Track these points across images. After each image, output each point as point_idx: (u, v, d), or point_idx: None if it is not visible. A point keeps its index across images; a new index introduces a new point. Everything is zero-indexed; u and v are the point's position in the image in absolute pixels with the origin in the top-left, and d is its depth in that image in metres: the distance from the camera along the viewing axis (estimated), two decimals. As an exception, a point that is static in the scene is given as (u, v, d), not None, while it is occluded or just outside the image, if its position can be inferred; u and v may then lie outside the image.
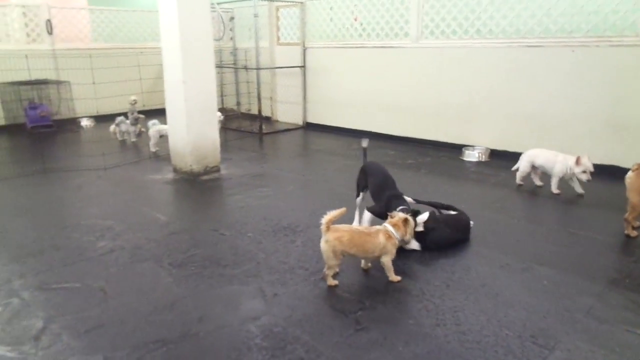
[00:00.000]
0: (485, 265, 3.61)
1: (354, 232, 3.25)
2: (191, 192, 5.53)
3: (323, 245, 3.21)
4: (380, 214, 3.81)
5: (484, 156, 6.70)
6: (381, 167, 4.20)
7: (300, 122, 9.45)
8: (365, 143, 4.53)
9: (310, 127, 9.29)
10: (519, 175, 5.48)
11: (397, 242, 3.30)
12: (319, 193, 5.42)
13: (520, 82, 6.45)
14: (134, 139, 7.91)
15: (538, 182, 5.47)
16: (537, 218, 4.65)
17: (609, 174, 5.71)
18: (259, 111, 8.87)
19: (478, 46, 6.78)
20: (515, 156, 6.52)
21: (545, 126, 6.33)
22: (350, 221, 4.19)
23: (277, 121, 9.96)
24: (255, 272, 3.53)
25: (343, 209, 3.21)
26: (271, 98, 9.91)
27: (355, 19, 8.36)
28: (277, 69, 9.49)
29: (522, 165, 5.45)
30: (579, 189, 5.16)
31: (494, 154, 6.73)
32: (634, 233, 4.08)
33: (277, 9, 9.45)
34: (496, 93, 6.70)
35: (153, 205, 5.02)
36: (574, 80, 6.00)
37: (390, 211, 3.58)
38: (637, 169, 4.04)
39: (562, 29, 6.06)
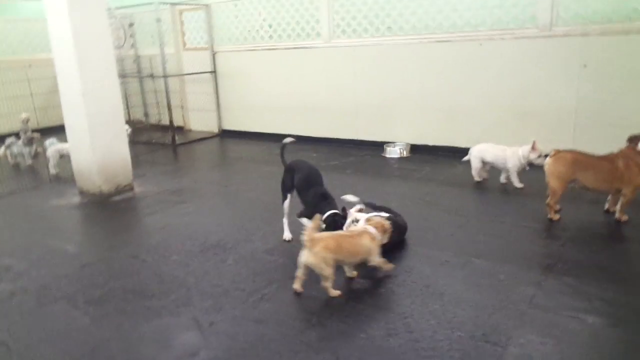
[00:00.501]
0: (425, 264, 3.55)
1: (339, 237, 3.21)
2: (103, 216, 5.02)
3: (311, 259, 3.04)
4: (309, 216, 3.61)
5: (405, 152, 6.76)
6: (307, 163, 4.11)
7: (215, 130, 9.04)
8: (287, 140, 4.35)
9: (226, 135, 8.92)
10: (473, 172, 5.40)
11: (380, 241, 3.28)
12: (245, 204, 5.14)
13: (433, 76, 6.57)
14: (29, 162, 7.05)
15: (485, 176, 5.44)
16: (466, 210, 4.69)
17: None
18: (170, 121, 8.34)
19: (390, 43, 6.83)
20: (434, 150, 6.71)
21: (458, 118, 6.50)
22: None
23: (190, 130, 9.47)
24: (185, 300, 3.20)
25: (316, 220, 3.17)
26: (182, 107, 9.40)
27: (260, 14, 8.08)
28: (186, 76, 8.99)
29: (473, 162, 5.39)
30: (517, 184, 5.16)
31: (415, 149, 6.82)
32: (556, 217, 4.24)
33: (181, 13, 8.96)
34: (411, 89, 6.78)
35: (59, 236, 4.47)
36: (482, 72, 6.21)
37: (322, 213, 3.54)
38: (555, 155, 4.19)
39: (469, 23, 6.24)
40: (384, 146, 6.88)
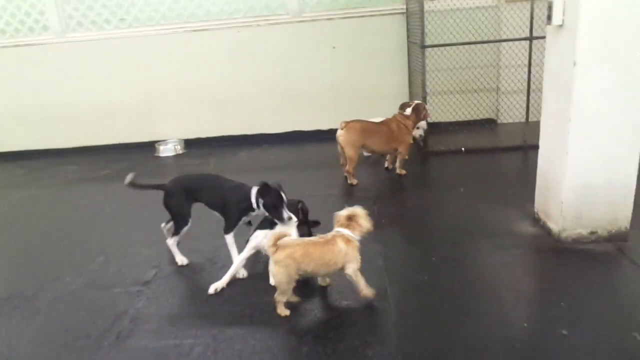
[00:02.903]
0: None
1: (307, 243, 2.66)
2: None
3: (273, 267, 2.62)
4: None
5: (180, 148, 6.41)
6: (203, 174, 3.67)
7: None
8: (129, 177, 3.36)
9: None
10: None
11: (358, 244, 2.70)
12: (17, 239, 4.08)
13: (197, 67, 6.36)
14: None
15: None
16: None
17: (294, 140, 6.41)
18: None
19: (141, 35, 6.28)
20: (209, 142, 6.57)
21: (230, 107, 6.49)
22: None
23: None
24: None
25: (287, 230, 2.72)
26: None
27: None
28: None
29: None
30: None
31: (189, 144, 6.52)
32: (355, 181, 4.71)
33: None
34: (175, 82, 6.42)
35: None
36: (246, 59, 6.32)
37: (282, 220, 2.95)
38: (345, 126, 4.62)
39: (223, 11, 6.24)
40: (156, 145, 6.37)
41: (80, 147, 6.63)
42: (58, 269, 3.43)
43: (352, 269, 2.66)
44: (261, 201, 3.03)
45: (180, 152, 6.38)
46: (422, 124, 5.20)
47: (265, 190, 3.01)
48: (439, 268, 3.08)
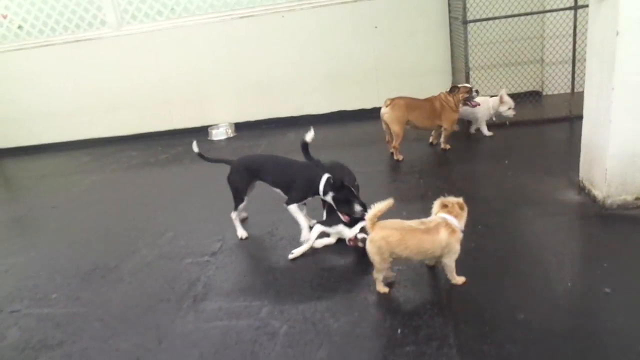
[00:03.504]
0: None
1: (406, 230, 2.59)
2: None
3: (368, 245, 2.66)
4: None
5: (231, 131, 6.74)
6: (268, 155, 3.87)
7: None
8: (195, 147, 3.82)
9: (5, 154, 7.41)
10: None
11: (461, 235, 2.63)
12: (95, 220, 4.50)
13: (244, 52, 6.63)
14: None
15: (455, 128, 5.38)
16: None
17: (339, 120, 6.62)
18: None
19: (190, 24, 6.59)
20: (258, 124, 6.86)
21: (277, 90, 6.75)
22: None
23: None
24: (108, 335, 2.77)
25: (390, 200, 2.57)
26: None
27: (5, 17, 6.95)
28: None
29: None
30: (486, 132, 5.26)
31: (239, 127, 6.84)
32: (400, 157, 4.88)
33: None
34: (223, 68, 6.71)
35: None
36: (290, 43, 6.53)
37: (353, 214, 3.10)
38: (389, 104, 4.79)
39: (266, -3, 6.47)
40: (208, 130, 6.72)
41: (138, 134, 7.08)
42: (134, 244, 3.82)
43: (451, 259, 2.64)
44: (331, 193, 3.19)
45: (232, 135, 6.70)
46: (510, 102, 5.14)
47: (339, 186, 3.14)
48: (485, 235, 3.24)
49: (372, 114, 6.63)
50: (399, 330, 2.45)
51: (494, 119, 5.29)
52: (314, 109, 6.73)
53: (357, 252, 3.20)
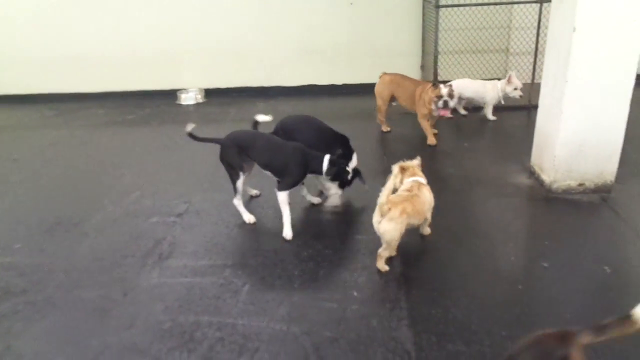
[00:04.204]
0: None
1: (411, 198, 2.75)
2: None
3: (390, 226, 2.64)
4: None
5: (200, 97, 6.71)
6: (256, 133, 3.44)
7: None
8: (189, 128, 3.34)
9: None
10: None
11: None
12: (58, 175, 4.47)
13: (217, 18, 6.57)
14: None
15: (462, 112, 5.54)
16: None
17: (310, 93, 6.70)
18: None
19: (164, -16, 6.48)
20: (228, 92, 6.86)
21: (249, 58, 6.75)
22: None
23: None
24: (73, 285, 2.84)
25: (390, 185, 2.68)
26: None
27: None
28: None
29: None
30: (491, 116, 5.32)
31: (209, 93, 6.82)
32: (387, 128, 5.09)
33: None
34: (197, 31, 6.64)
35: None
36: (265, 12, 6.51)
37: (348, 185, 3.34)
38: (380, 77, 4.94)
39: (242, -37, 6.40)
40: (177, 93, 6.68)
41: (105, 92, 6.95)
42: (99, 201, 3.84)
43: (430, 213, 2.96)
44: (332, 170, 3.24)
45: (201, 100, 6.69)
46: (518, 83, 5.14)
47: (342, 168, 3.29)
48: (440, 211, 3.42)
49: (343, 90, 6.78)
50: (355, 293, 2.63)
51: (502, 102, 5.31)
52: (285, 80, 6.78)
53: (323, 218, 3.36)
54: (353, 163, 3.63)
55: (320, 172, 3.26)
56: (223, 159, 3.35)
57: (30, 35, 6.74)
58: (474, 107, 5.58)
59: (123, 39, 6.70)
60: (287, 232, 3.20)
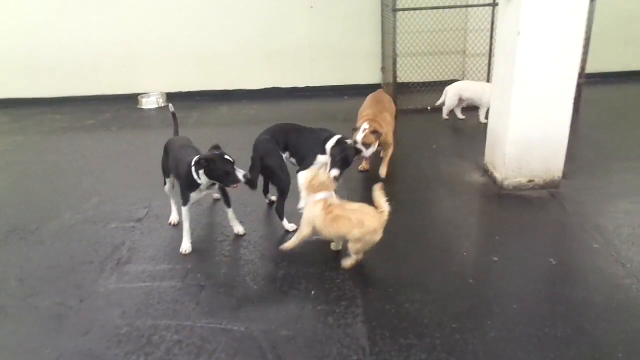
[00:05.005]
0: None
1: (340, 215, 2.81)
2: None
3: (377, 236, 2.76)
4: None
5: (162, 101, 6.66)
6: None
7: None
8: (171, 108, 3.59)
9: None
10: (445, 109, 5.41)
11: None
12: (0, 191, 4.38)
13: (178, 22, 6.54)
14: None
15: (460, 116, 5.48)
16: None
17: (272, 96, 6.73)
18: None
19: (122, -13, 6.41)
20: (189, 95, 6.83)
21: (211, 62, 6.73)
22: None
23: None
24: (28, 293, 2.79)
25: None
26: None
27: None
28: None
29: (449, 99, 5.32)
30: (483, 119, 5.21)
31: (171, 97, 6.77)
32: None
33: None
34: (158, 35, 6.60)
35: None
36: (226, 15, 6.51)
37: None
38: None
39: (204, -33, 6.39)
40: (138, 98, 6.61)
41: (63, 97, 6.82)
42: (56, 207, 3.79)
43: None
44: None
45: (163, 104, 6.63)
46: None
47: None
48: (398, 210, 3.50)
49: (305, 93, 6.84)
50: (313, 292, 2.68)
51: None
52: (247, 83, 6.80)
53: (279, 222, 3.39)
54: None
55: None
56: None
57: (-17, 39, 6.56)
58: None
59: (80, 42, 6.59)
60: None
